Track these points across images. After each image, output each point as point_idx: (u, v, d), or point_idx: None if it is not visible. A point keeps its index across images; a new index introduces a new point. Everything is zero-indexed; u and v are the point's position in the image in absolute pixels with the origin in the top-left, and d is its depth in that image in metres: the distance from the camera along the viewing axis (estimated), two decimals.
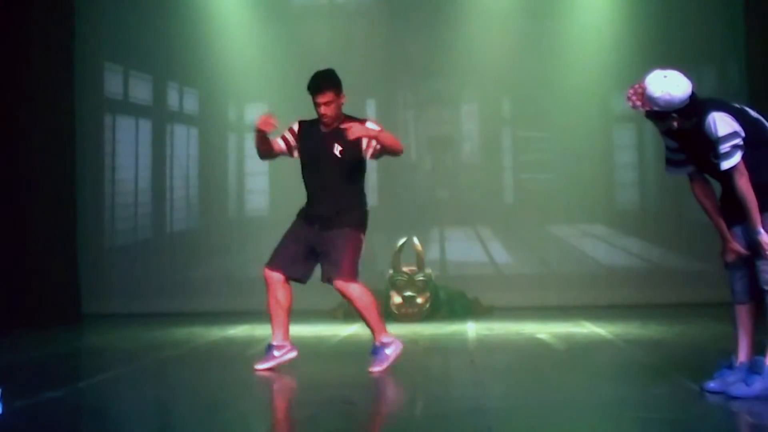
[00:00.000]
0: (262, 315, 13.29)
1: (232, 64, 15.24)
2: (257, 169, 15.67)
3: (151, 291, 14.96)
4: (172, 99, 15.92)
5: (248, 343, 10.96)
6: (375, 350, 8.41)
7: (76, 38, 14.45)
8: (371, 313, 8.40)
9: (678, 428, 6.05)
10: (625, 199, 15.74)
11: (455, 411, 6.67)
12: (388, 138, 8.20)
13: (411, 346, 10.71)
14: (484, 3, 15.12)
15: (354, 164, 8.38)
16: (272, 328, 8.53)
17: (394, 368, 8.34)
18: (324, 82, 8.28)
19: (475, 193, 15.20)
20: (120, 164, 15.54)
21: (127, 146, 15.57)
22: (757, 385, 6.56)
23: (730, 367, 6.82)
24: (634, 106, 6.56)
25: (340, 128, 8.23)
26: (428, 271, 13.52)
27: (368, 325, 8.46)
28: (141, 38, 15.19)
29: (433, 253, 14.85)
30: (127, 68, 15.62)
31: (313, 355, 9.84)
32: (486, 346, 10.63)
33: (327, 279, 8.42)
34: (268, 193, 15.76)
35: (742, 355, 6.82)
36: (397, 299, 13.06)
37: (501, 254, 15.47)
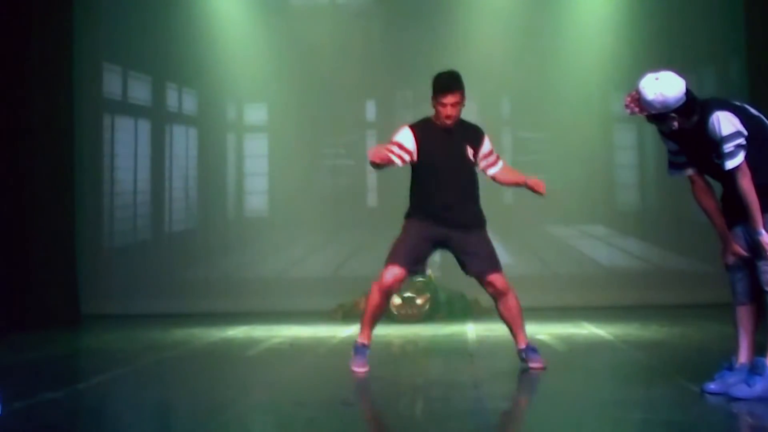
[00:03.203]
0: (260, 316, 13.45)
1: (231, 65, 15.25)
2: (256, 170, 15.69)
3: (149, 292, 14.96)
4: (171, 99, 15.92)
5: (247, 344, 10.97)
6: (529, 351, 8.49)
7: (75, 39, 14.45)
8: (521, 317, 8.51)
9: (678, 430, 6.03)
10: (625, 200, 15.75)
11: (455, 412, 6.66)
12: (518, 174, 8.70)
13: (411, 348, 10.71)
14: (483, 3, 15.13)
15: (476, 166, 8.53)
16: (368, 329, 8.42)
17: (393, 369, 8.33)
18: (455, 83, 8.29)
19: None
20: (119, 165, 15.55)
21: (126, 147, 15.58)
22: (759, 386, 6.56)
23: (731, 368, 6.82)
24: (633, 113, 6.64)
25: (463, 130, 8.40)
26: (428, 272, 13.52)
27: (514, 329, 8.51)
28: (140, 39, 15.20)
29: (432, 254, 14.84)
30: (126, 69, 15.63)
31: (312, 356, 9.84)
32: (486, 347, 10.62)
33: (480, 274, 8.47)
34: (267, 194, 15.77)
35: (743, 356, 6.82)
36: (396, 300, 13.05)
37: (500, 255, 15.21)
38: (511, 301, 8.48)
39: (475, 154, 8.42)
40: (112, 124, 15.66)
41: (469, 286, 13.99)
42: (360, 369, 8.26)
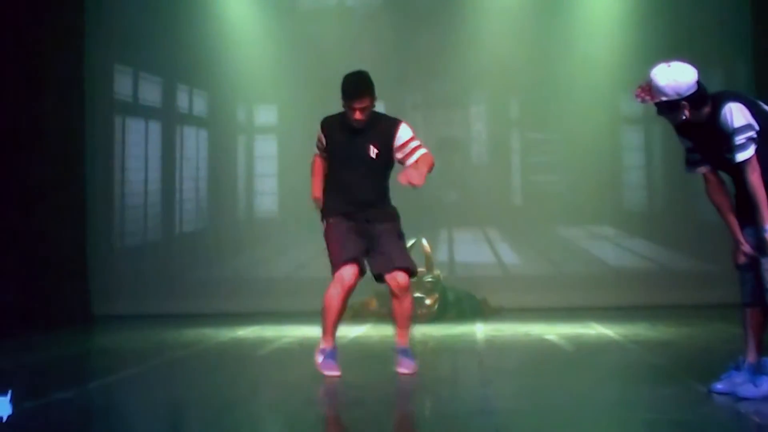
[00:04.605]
0: (271, 316, 13.47)
1: (241, 66, 15.28)
2: (266, 171, 15.72)
3: (160, 292, 14.99)
4: (182, 101, 15.96)
5: (258, 344, 11.00)
6: (405, 352, 8.32)
7: (87, 40, 14.52)
8: (410, 317, 8.34)
9: (685, 429, 6.06)
10: (633, 201, 15.75)
11: (464, 412, 6.69)
12: (429, 165, 8.16)
13: (420, 348, 10.74)
14: (492, 5, 15.15)
15: (387, 163, 8.30)
16: (328, 332, 8.29)
17: None
18: (363, 88, 8.13)
19: (483, 194, 15.20)
20: (130, 166, 15.58)
21: (137, 148, 15.61)
22: (765, 386, 6.57)
23: (738, 368, 6.83)
24: (644, 101, 6.63)
25: (373, 127, 8.19)
26: (437, 272, 13.54)
27: (404, 326, 8.30)
28: (151, 40, 15.23)
29: (441, 255, 14.88)
30: (137, 70, 15.66)
31: None
32: (494, 347, 10.65)
33: (385, 271, 8.20)
34: (277, 194, 15.79)
35: (751, 356, 6.82)
36: None
37: (509, 255, 15.49)
38: (405, 303, 8.25)
39: (384, 152, 8.21)
40: (123, 126, 15.68)
41: (477, 286, 14.12)
42: (332, 372, 8.18)
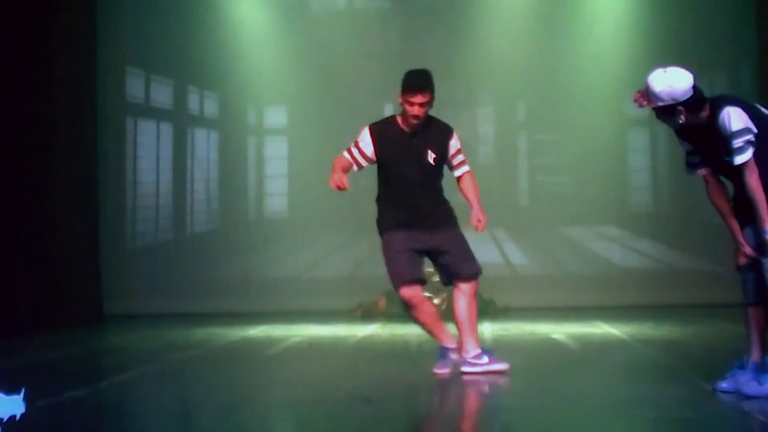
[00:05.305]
0: (280, 316, 13.54)
1: (251, 68, 15.34)
2: (276, 172, 15.77)
3: (171, 292, 15.05)
4: (193, 103, 16.02)
5: (267, 343, 11.06)
6: (485, 353, 8.30)
7: (99, 43, 14.58)
8: (476, 319, 8.30)
9: (690, 427, 6.08)
10: (639, 202, 15.79)
11: (471, 410, 6.75)
12: (478, 192, 8.42)
13: (428, 346, 10.80)
14: (499, 8, 15.20)
15: (442, 168, 8.27)
16: (440, 335, 8.36)
17: (411, 367, 8.43)
18: (425, 82, 8.02)
19: (490, 195, 15.09)
20: (141, 167, 15.64)
21: (149, 149, 15.68)
22: None
23: (742, 367, 6.84)
24: (641, 106, 6.70)
25: (427, 131, 8.13)
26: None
27: (466, 330, 8.29)
28: (162, 43, 15.30)
29: None
30: (148, 72, 15.72)
31: (331, 355, 9.94)
32: (501, 346, 10.65)
33: (457, 277, 8.27)
34: (287, 195, 15.86)
35: (754, 355, 6.84)
36: None
37: (516, 255, 15.53)
38: (473, 303, 8.29)
39: (441, 157, 8.17)
40: (135, 127, 15.75)
41: (484, 286, 14.14)
42: (440, 371, 8.26)
